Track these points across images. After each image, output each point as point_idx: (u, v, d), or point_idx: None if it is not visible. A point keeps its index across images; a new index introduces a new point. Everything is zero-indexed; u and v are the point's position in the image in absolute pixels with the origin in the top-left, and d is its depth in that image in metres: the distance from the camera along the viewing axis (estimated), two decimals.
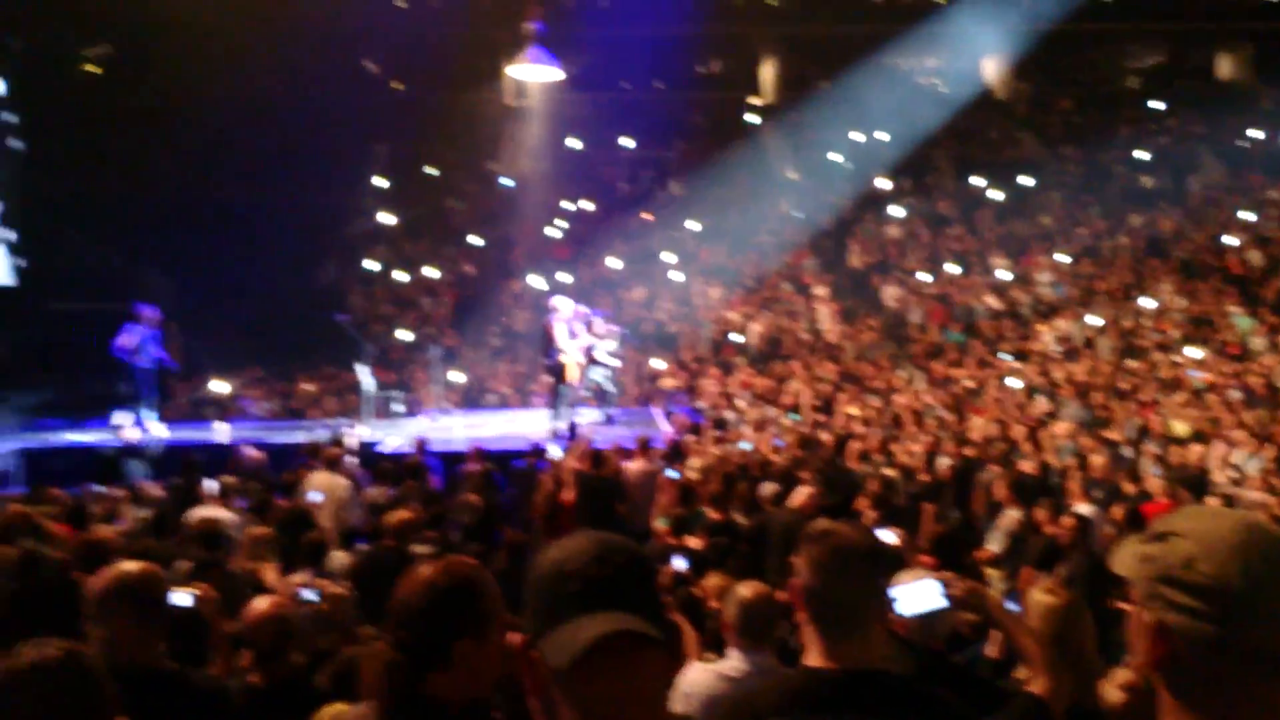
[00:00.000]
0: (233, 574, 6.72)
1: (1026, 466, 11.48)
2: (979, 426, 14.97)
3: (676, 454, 12.38)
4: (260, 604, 4.60)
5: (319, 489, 10.07)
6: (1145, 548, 1.58)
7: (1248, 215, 24.79)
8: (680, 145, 33.20)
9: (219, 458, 11.87)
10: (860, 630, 2.40)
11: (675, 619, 5.34)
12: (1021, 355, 19.96)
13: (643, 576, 1.61)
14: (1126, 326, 20.49)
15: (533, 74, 18.11)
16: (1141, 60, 36.00)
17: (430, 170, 31.71)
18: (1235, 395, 15.77)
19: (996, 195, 28.70)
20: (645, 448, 11.44)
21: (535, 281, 24.65)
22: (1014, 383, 17.15)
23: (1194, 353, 18.24)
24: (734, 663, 4.17)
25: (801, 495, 9.01)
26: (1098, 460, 11.47)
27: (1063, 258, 24.66)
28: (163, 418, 15.52)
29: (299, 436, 13.87)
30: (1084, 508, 9.16)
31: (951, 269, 25.08)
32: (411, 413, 18.00)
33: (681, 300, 24.59)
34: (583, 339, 14.77)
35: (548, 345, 14.45)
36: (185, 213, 22.39)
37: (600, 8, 30.20)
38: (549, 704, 1.54)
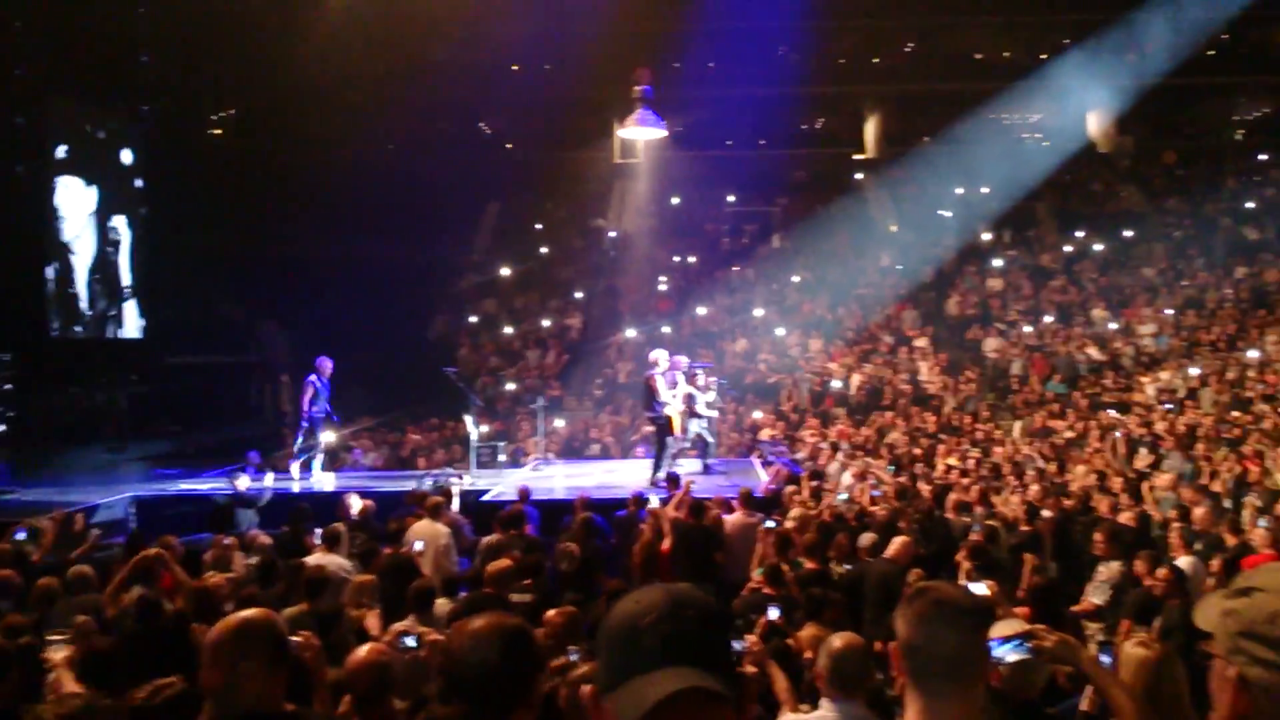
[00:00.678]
0: (337, 620, 6.91)
1: (1125, 518, 11.39)
2: (1079, 477, 14.87)
3: (775, 504, 12.48)
4: (361, 652, 4.65)
5: (421, 537, 10.19)
6: (1228, 602, 1.62)
7: None
8: (783, 200, 33.47)
9: (327, 507, 12.01)
10: (960, 689, 2.32)
11: (765, 669, 5.41)
12: (1124, 407, 19.76)
13: (715, 631, 1.60)
14: (1230, 378, 20.16)
15: (640, 134, 18.48)
16: (1246, 112, 35.43)
17: (539, 225, 32.35)
18: None
19: (1099, 247, 28.45)
20: (745, 499, 11.41)
21: (638, 333, 25.02)
22: (1116, 434, 16.97)
23: None
24: (825, 713, 4.20)
25: (896, 545, 9.02)
26: (1199, 512, 11.29)
27: (1167, 310, 24.36)
28: (274, 468, 15.82)
29: (407, 485, 14.04)
30: (1184, 560, 9.02)
31: (1052, 320, 24.91)
32: (515, 463, 18.11)
33: (781, 352, 24.72)
34: (682, 389, 14.90)
35: (651, 399, 14.56)
36: (302, 269, 23.08)
37: (707, 69, 30.70)
38: None
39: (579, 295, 28.80)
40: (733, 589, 9.23)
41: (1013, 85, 29.80)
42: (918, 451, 17.46)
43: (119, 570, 8.03)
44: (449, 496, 12.41)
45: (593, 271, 30.22)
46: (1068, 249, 28.87)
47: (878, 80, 34.79)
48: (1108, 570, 8.91)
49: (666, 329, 24.97)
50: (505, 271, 28.42)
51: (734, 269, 29.82)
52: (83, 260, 20.31)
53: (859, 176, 33.67)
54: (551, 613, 6.15)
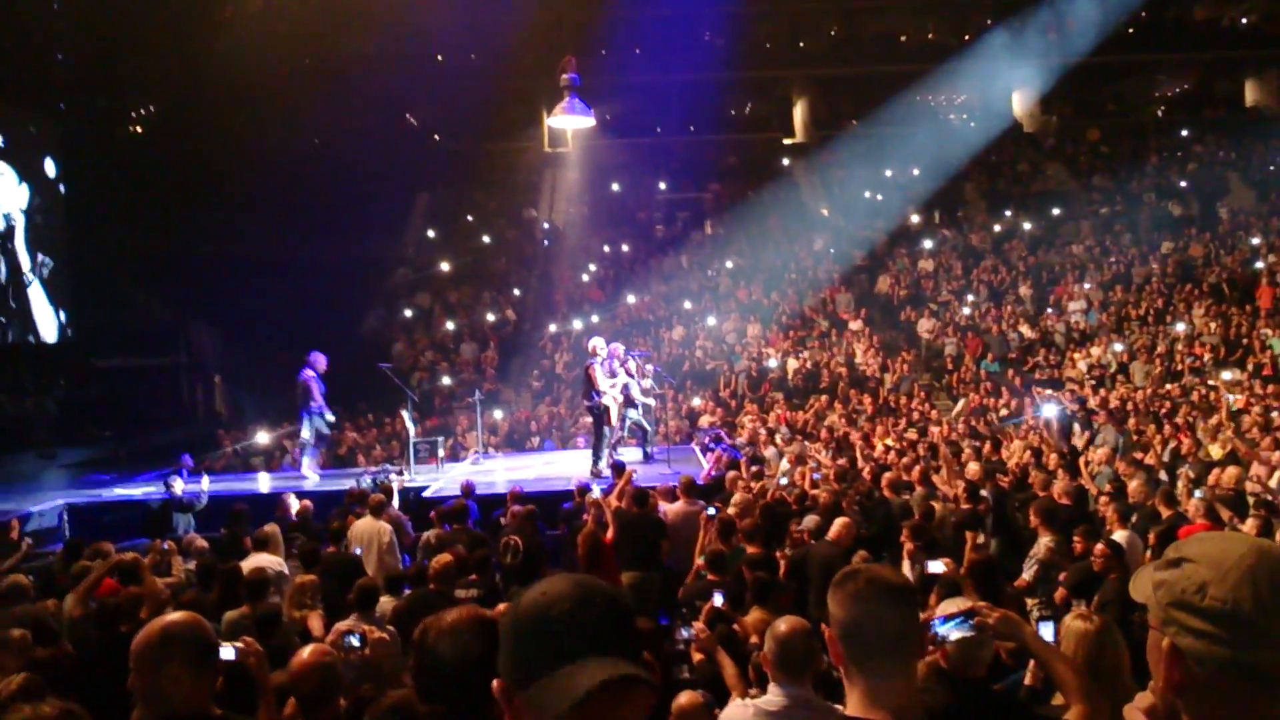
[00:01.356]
0: (279, 622, 6.82)
1: (1058, 492, 11.49)
2: (1014, 454, 15.05)
3: (716, 491, 12.52)
4: (304, 653, 4.57)
5: (361, 535, 10.13)
6: (1159, 574, 1.62)
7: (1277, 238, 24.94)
8: (715, 186, 33.51)
9: (264, 508, 11.86)
10: (899, 669, 2.32)
11: (713, 656, 5.44)
12: (1056, 383, 20.06)
13: (623, 617, 1.58)
14: (1160, 352, 20.54)
15: (569, 123, 18.49)
16: (1168, 89, 36.11)
17: (470, 218, 32.15)
18: (1272, 416, 15.76)
19: (1027, 226, 28.87)
20: (687, 486, 11.40)
21: (574, 324, 24.97)
22: (1049, 410, 17.20)
23: (1227, 375, 18.28)
24: (773, 697, 4.18)
25: (837, 527, 8.99)
26: (1134, 485, 11.41)
27: (1095, 286, 24.80)
28: (208, 469, 15.57)
29: (346, 484, 13.88)
30: (1120, 534, 9.12)
31: (983, 299, 25.26)
32: (454, 457, 18.03)
33: (718, 338, 24.80)
34: (620, 379, 14.89)
35: (589, 388, 14.55)
36: (231, 266, 22.60)
37: (634, 56, 30.65)
38: None
39: (514, 288, 28.63)
40: (677, 577, 9.24)
41: (938, 67, 30.15)
42: (855, 435, 17.58)
43: (95, 571, 7.98)
44: (389, 494, 12.30)
45: (526, 262, 30.08)
46: (997, 229, 29.27)
47: (804, 64, 35.00)
48: (1039, 546, 8.99)
49: (595, 318, 24.89)
50: (445, 266, 28.12)
51: (668, 256, 29.86)
52: None
53: (788, 161, 33.84)
54: (501, 607, 6.08)
